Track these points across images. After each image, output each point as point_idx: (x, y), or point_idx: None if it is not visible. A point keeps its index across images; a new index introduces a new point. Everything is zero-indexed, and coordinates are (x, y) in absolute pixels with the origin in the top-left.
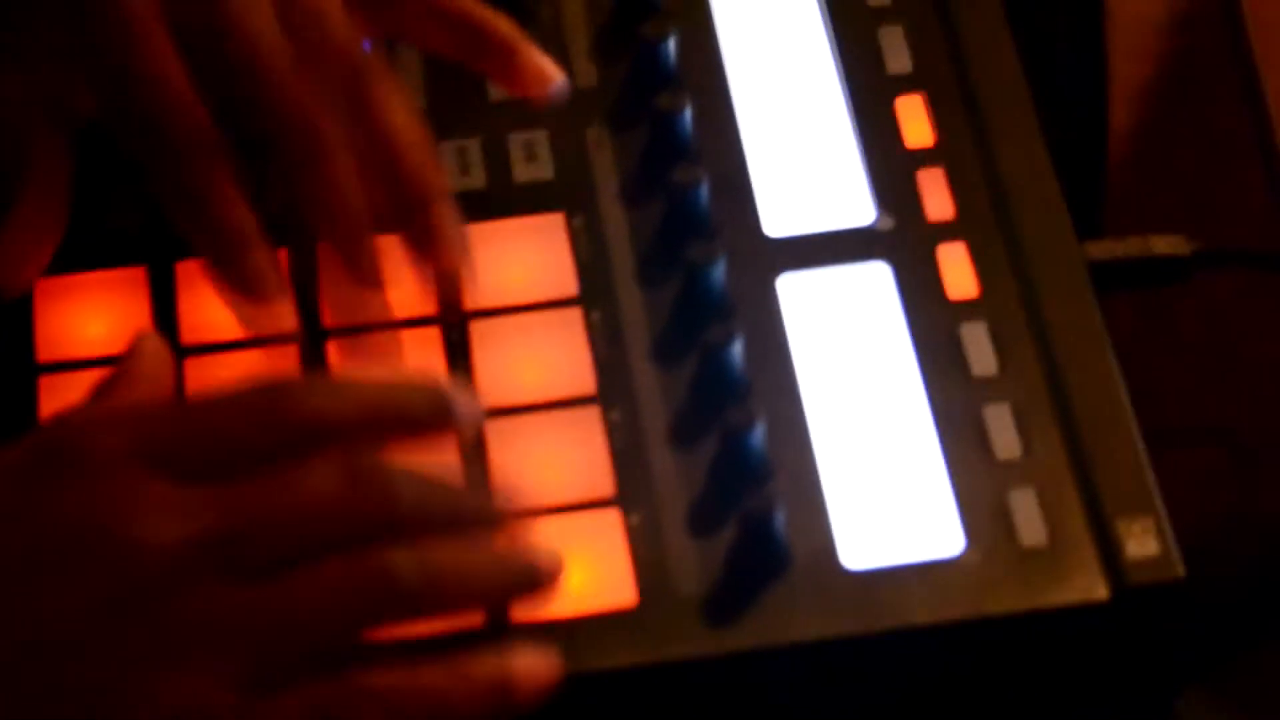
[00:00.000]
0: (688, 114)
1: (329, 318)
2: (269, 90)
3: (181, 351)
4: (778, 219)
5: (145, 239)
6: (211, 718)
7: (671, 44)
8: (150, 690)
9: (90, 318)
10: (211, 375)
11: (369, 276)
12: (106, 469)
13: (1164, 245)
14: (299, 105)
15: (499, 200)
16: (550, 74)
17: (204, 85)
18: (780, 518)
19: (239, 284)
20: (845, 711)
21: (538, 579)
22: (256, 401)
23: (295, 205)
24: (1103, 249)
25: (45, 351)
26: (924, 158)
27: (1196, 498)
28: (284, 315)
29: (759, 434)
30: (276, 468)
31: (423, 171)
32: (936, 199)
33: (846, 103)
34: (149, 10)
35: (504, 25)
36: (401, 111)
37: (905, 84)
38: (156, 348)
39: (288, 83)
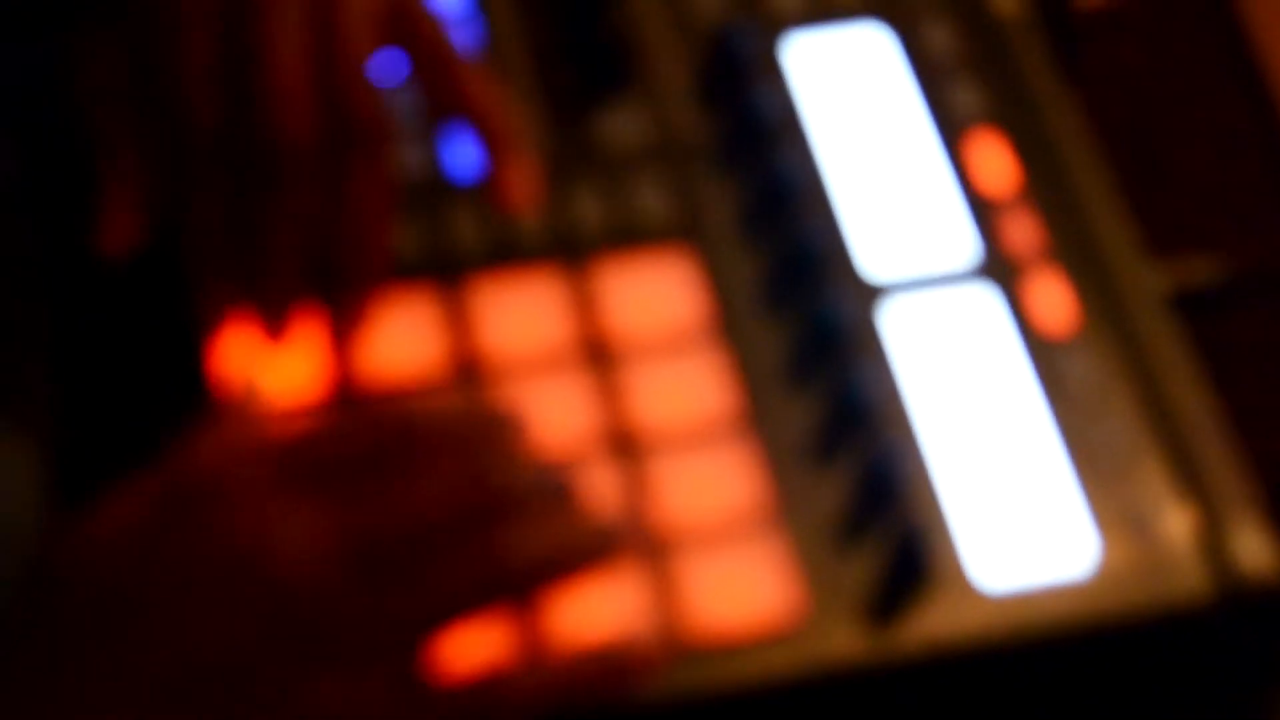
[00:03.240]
0: (789, 161)
1: None
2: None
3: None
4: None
5: None
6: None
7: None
8: (317, 698)
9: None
10: None
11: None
12: (250, 499)
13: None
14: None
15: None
16: (524, 199)
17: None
18: (921, 536)
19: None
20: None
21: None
22: (370, 422)
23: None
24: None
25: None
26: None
27: None
28: None
29: (894, 455)
30: (399, 479)
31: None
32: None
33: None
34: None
35: (508, 132)
36: (374, 196)
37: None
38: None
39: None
